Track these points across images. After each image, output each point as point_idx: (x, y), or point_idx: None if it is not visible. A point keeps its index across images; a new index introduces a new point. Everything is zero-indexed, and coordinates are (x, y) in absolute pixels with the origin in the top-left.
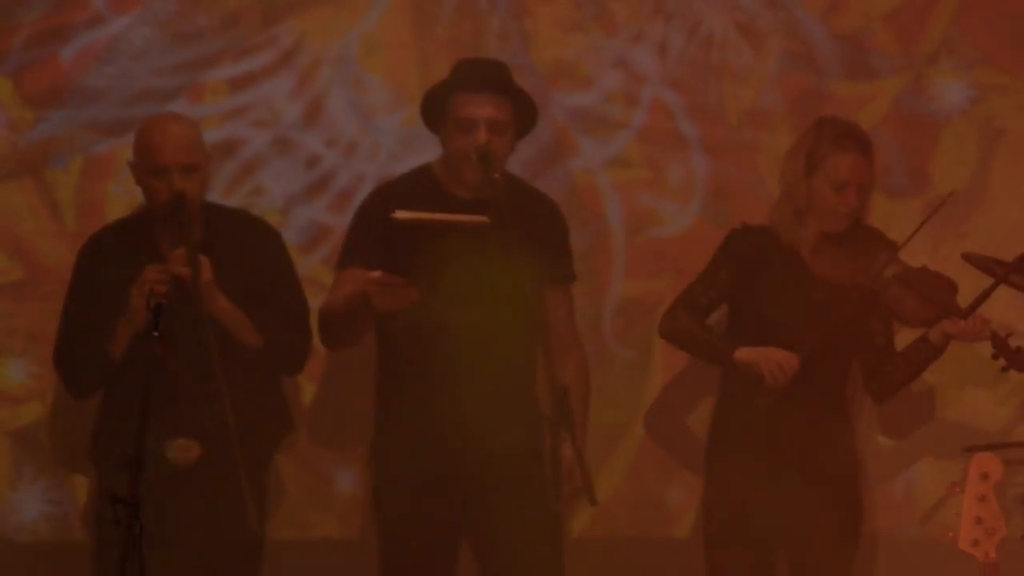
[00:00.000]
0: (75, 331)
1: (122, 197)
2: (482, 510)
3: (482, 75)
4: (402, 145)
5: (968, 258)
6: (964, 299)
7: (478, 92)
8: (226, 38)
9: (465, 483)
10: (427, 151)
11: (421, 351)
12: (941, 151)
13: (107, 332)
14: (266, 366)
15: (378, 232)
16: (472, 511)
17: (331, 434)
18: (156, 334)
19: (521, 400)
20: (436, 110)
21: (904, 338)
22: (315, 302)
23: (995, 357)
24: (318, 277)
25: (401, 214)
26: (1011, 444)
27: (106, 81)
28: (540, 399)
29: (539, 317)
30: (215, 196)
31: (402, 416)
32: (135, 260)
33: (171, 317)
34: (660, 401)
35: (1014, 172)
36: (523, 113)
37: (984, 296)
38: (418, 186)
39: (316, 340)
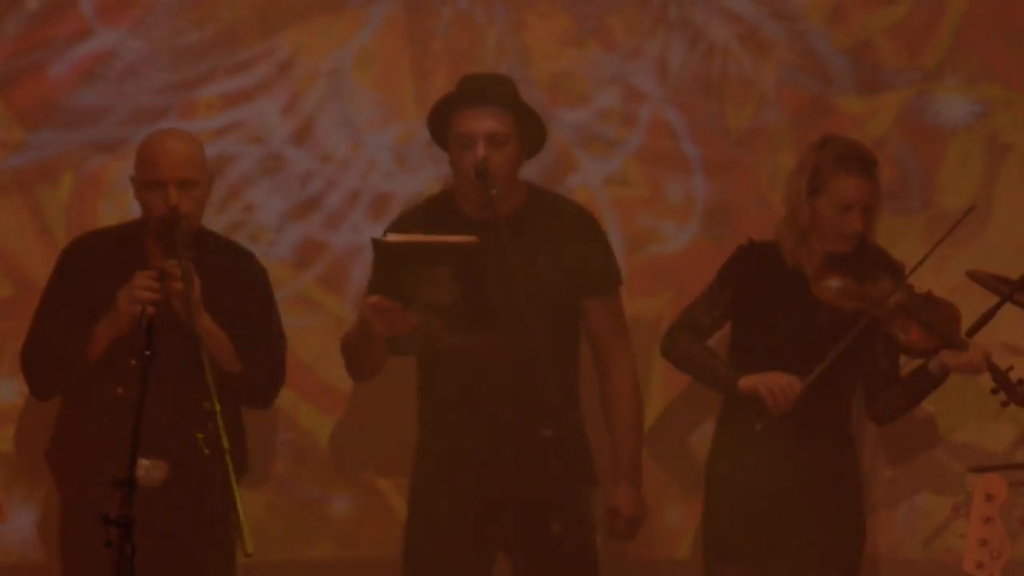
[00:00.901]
0: (50, 329)
1: (113, 214)
2: (520, 531)
3: (481, 89)
4: (397, 161)
5: (973, 276)
6: (969, 319)
7: (477, 107)
8: (218, 53)
9: (494, 504)
10: (423, 168)
11: (439, 377)
12: (946, 166)
13: (84, 334)
14: (239, 394)
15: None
16: (511, 532)
17: (325, 455)
18: (148, 352)
19: (542, 419)
20: (441, 127)
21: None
22: (308, 320)
23: (995, 391)
24: (311, 295)
25: (392, 237)
26: (1016, 465)
27: (97, 97)
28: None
29: (574, 332)
30: (210, 212)
31: (438, 440)
32: (123, 269)
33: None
34: (661, 421)
35: (1020, 188)
36: (528, 127)
37: (989, 315)
38: (436, 209)
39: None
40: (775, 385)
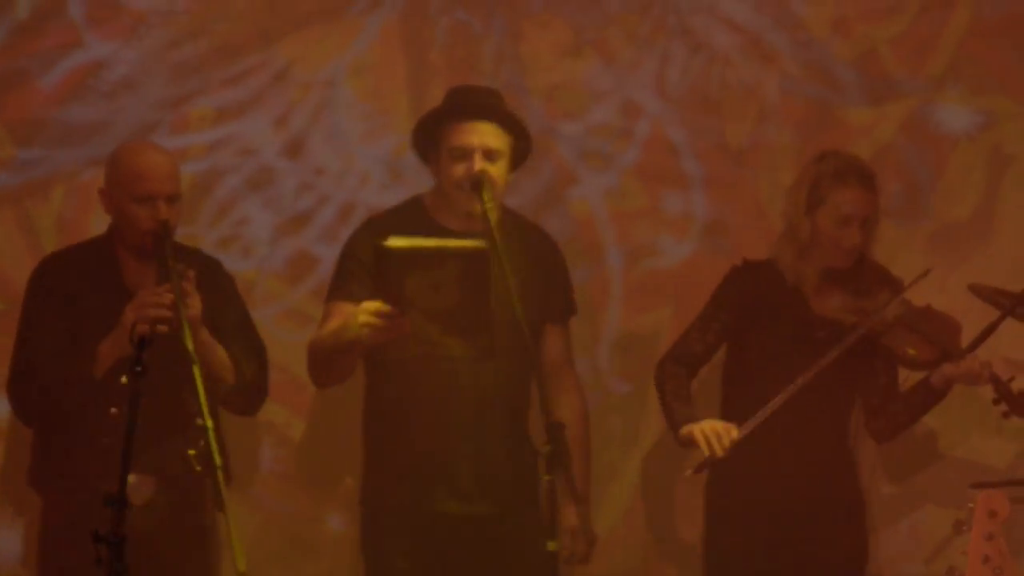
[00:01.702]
0: (33, 356)
1: (104, 227)
2: (477, 548)
3: (476, 103)
4: (392, 174)
5: (974, 289)
6: (970, 333)
7: (472, 120)
8: (212, 65)
9: (460, 520)
10: (418, 180)
11: (411, 384)
12: (949, 177)
13: (85, 354)
14: (230, 403)
15: (366, 265)
16: (467, 549)
17: (319, 471)
18: (139, 368)
19: (515, 435)
20: (428, 139)
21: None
22: (303, 333)
23: (996, 402)
24: (305, 309)
25: (394, 241)
26: (1018, 481)
27: (89, 112)
28: (533, 435)
29: (534, 352)
30: (203, 225)
31: (392, 451)
32: (96, 285)
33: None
34: (661, 439)
35: (1022, 200)
36: (518, 143)
37: (991, 329)
38: (408, 218)
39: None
40: (710, 431)
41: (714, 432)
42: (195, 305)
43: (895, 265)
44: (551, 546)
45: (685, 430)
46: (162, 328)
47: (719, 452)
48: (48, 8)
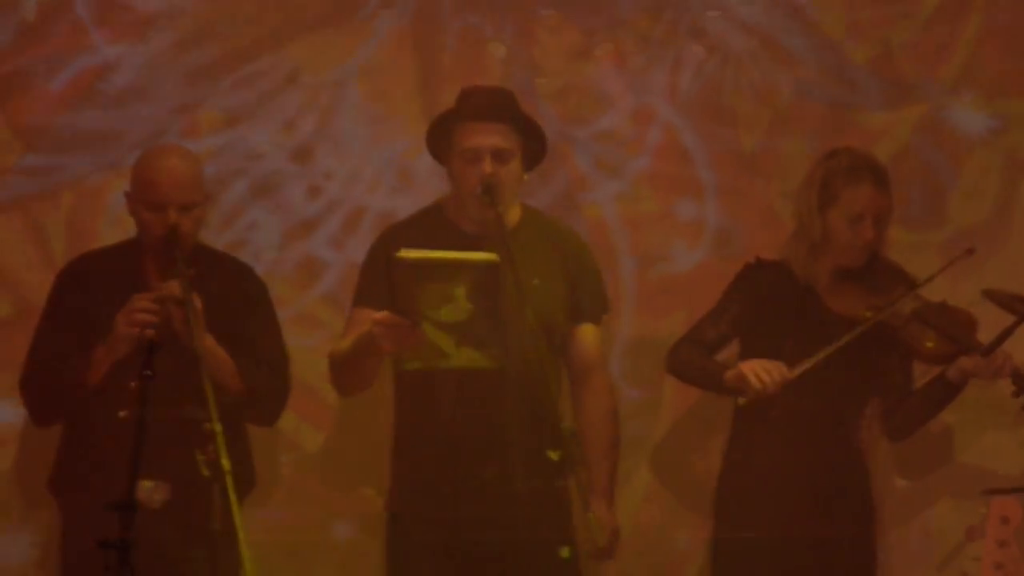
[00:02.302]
0: (49, 355)
1: (113, 231)
2: (504, 556)
3: (487, 103)
4: (402, 178)
5: (989, 295)
6: (985, 337)
7: (483, 121)
8: (221, 69)
9: (486, 529)
10: (428, 184)
11: (431, 395)
12: (963, 182)
13: (84, 359)
14: (244, 413)
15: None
16: (492, 558)
17: (328, 478)
18: (148, 373)
19: (536, 443)
20: (442, 141)
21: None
22: (312, 339)
23: (1016, 395)
24: (316, 313)
25: (406, 252)
26: None
27: (97, 114)
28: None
29: (562, 356)
30: (212, 230)
31: (416, 461)
32: (120, 289)
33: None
34: (669, 441)
35: None
36: (531, 142)
37: (1006, 334)
38: (428, 224)
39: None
40: (759, 367)
41: (763, 368)
42: (194, 310)
43: (910, 269)
44: (564, 553)
45: (731, 373)
46: (149, 333)
47: (771, 386)
48: (54, 9)
